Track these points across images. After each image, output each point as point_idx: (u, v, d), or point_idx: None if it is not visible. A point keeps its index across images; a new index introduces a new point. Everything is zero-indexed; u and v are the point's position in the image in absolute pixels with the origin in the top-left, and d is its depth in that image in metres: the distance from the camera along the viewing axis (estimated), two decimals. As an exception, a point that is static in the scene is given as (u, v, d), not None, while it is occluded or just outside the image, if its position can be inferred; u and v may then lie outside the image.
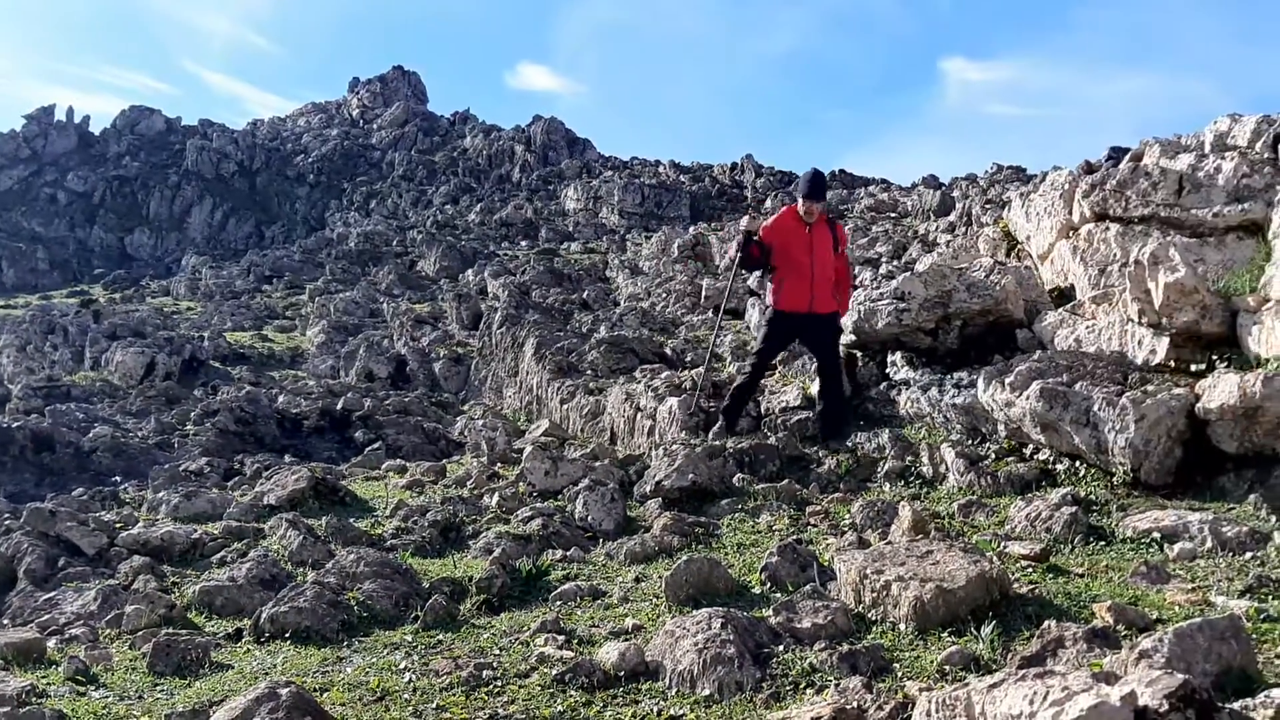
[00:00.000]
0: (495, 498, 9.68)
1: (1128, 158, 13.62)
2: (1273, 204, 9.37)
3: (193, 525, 9.56)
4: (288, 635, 6.36)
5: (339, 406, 17.40)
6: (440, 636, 6.17)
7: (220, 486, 12.35)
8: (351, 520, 9.44)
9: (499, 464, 12.02)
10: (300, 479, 10.51)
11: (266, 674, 5.65)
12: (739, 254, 10.32)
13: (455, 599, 6.87)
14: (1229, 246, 9.59)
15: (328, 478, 10.89)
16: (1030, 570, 6.37)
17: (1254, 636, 4.91)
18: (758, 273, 10.73)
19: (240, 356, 28.33)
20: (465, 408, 19.05)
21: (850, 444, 10.39)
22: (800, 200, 10.19)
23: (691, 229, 36.44)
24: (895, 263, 20.96)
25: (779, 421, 11.22)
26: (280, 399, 18.77)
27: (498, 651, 5.72)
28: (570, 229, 47.34)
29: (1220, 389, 7.61)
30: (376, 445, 14.69)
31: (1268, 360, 7.73)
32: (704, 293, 22.39)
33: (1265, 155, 11.02)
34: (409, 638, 6.22)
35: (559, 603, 6.63)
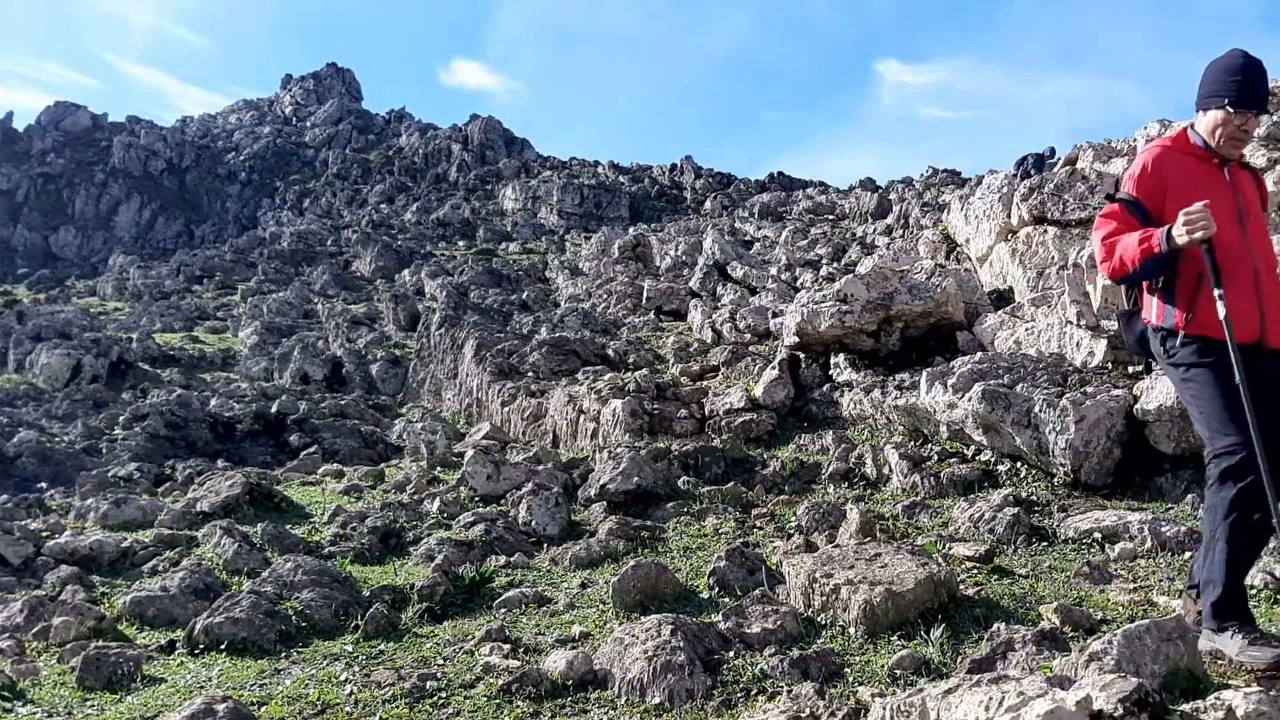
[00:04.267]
0: (436, 503, 9.52)
1: (1062, 161, 13.87)
2: (1205, 208, 9.55)
3: (122, 533, 9.28)
4: (223, 647, 6.15)
5: (273, 410, 17.05)
6: (382, 646, 6.02)
7: (151, 493, 12.03)
8: (288, 527, 9.22)
9: (439, 468, 11.85)
10: (234, 484, 10.24)
11: (202, 687, 5.46)
12: (1149, 266, 4.42)
13: (396, 607, 6.72)
14: (1163, 250, 9.77)
15: (263, 483, 10.64)
16: (976, 572, 6.40)
17: (1196, 634, 4.98)
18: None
19: (170, 358, 27.67)
20: (403, 410, 18.79)
21: (795, 445, 10.42)
22: (1220, 114, 4.47)
23: (631, 230, 36.44)
24: (835, 265, 21.12)
25: (723, 424, 11.21)
26: (212, 402, 18.34)
27: (441, 661, 5.59)
28: (509, 229, 47.05)
29: (1158, 391, 7.75)
30: (312, 449, 14.41)
31: (1203, 362, 7.86)
32: (645, 294, 22.35)
33: (1196, 161, 11.26)
34: (349, 648, 6.05)
35: (503, 610, 6.51)
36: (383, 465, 13.12)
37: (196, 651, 6.21)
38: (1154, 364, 5.09)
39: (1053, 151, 16.99)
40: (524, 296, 26.71)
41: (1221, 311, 4.24)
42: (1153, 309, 4.64)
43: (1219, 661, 4.65)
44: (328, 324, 28.27)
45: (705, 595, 6.27)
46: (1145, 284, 4.61)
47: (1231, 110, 4.41)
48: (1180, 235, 4.21)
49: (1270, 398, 4.30)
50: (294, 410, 17.00)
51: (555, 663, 5.07)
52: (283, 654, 6.07)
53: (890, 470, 9.12)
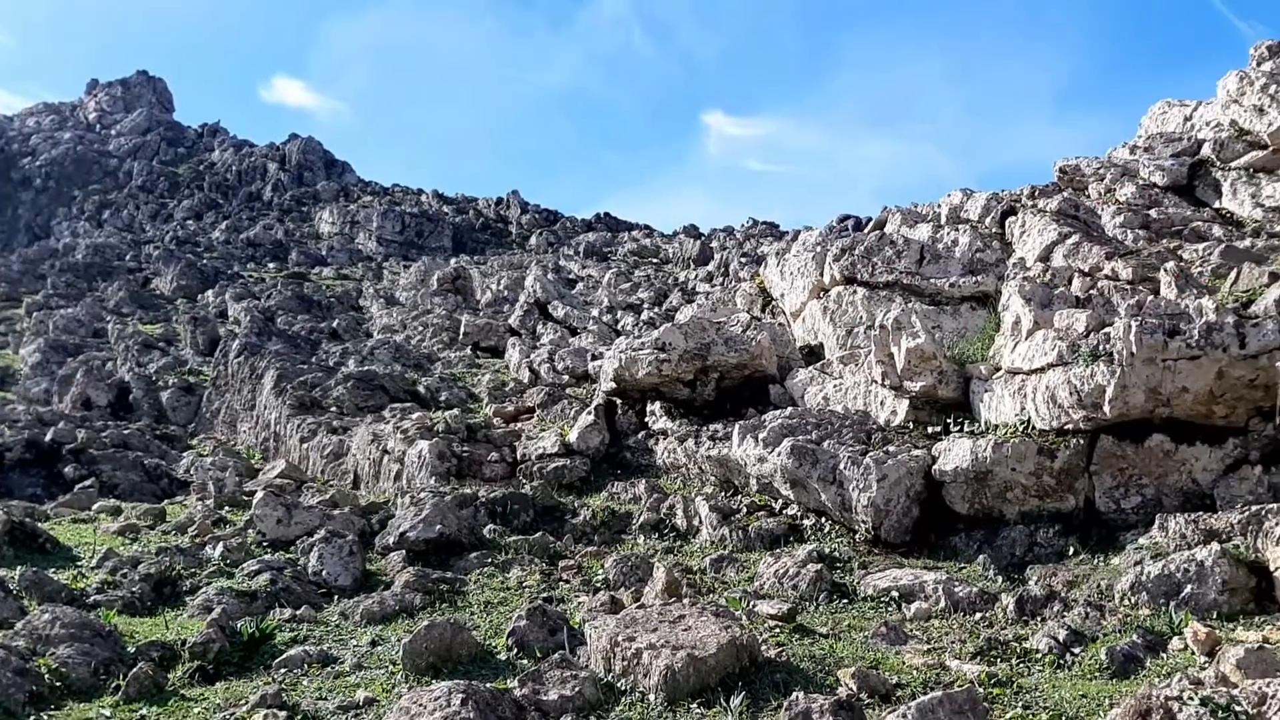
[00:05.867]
0: (219, 548, 8.85)
1: (871, 224, 14.38)
2: (1003, 277, 10.03)
3: None
4: (-39, 709, 5.51)
5: (48, 438, 15.68)
6: (144, 711, 5.51)
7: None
8: (51, 571, 8.36)
9: (227, 508, 11.08)
10: (-9, 522, 9.26)
11: (-76, 761, 4.85)
12: None
13: (164, 666, 6.16)
14: (964, 315, 10.20)
15: (27, 520, 9.68)
16: (779, 631, 6.37)
17: (986, 702, 5.04)
18: None
19: (-62, 375, 25.29)
20: (194, 442, 17.63)
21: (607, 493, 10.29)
22: None
23: (453, 261, 35.85)
24: (656, 309, 21.26)
25: (535, 469, 10.95)
26: (-21, 426, 16.75)
27: (208, 731, 5.13)
28: (324, 253, 45.48)
29: (954, 453, 7.99)
30: (89, 483, 13.29)
31: (997, 426, 8.18)
32: (463, 329, 21.88)
33: (994, 230, 11.86)
34: (106, 712, 5.52)
35: (284, 670, 6.05)
36: (165, 503, 12.17)
37: (-69, 714, 5.54)
38: None
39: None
40: (335, 324, 25.72)
41: None
42: None
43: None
44: (116, 345, 26.41)
45: (503, 657, 6.00)
46: None
47: None
48: None
49: None
50: (71, 439, 15.68)
51: (334, 735, 4.69)
52: (31, 717, 5.48)
53: (700, 522, 9.08)
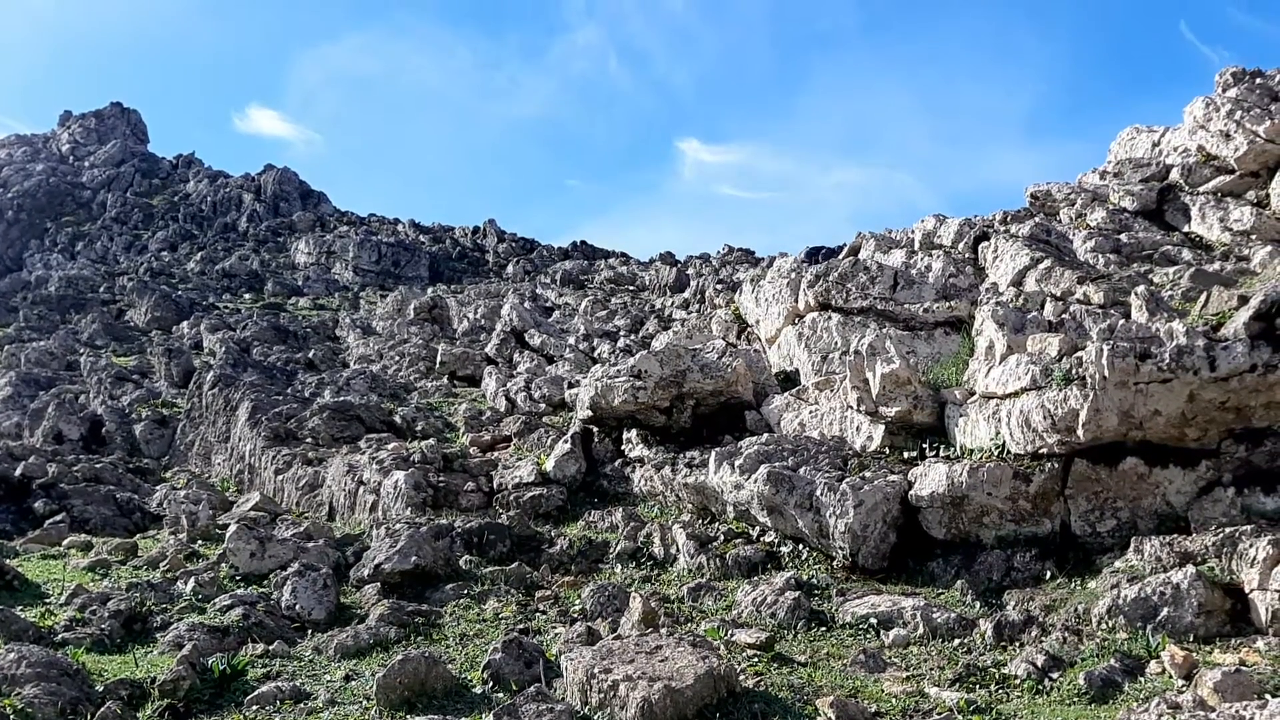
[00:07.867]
0: (191, 582, 8.72)
1: (845, 250, 14.45)
2: (975, 302, 10.08)
3: None
4: (-80, 755, 5.38)
5: (18, 472, 15.44)
6: (111, 752, 5.39)
7: None
8: (18, 609, 8.21)
9: (200, 541, 10.94)
10: (-43, 559, 9.11)
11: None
12: None
13: (133, 705, 6.05)
14: (938, 340, 10.24)
15: (-7, 557, 9.52)
16: (756, 660, 6.33)
17: (965, 729, 5.02)
18: None
19: (-95, 409, 24.89)
20: (168, 475, 17.43)
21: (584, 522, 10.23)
22: None
23: (430, 290, 35.80)
24: (633, 337, 21.25)
25: (511, 499, 10.88)
26: (-53, 461, 16.47)
27: (177, 771, 5.02)
28: (300, 284, 45.27)
29: (930, 477, 7.99)
30: (59, 517, 13.08)
31: (972, 451, 8.19)
32: (439, 358, 21.79)
33: (967, 255, 11.94)
34: (72, 754, 5.39)
35: (255, 707, 5.95)
36: (138, 537, 12.02)
37: (-111, 760, 5.40)
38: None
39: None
40: (311, 355, 25.57)
41: None
42: None
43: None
44: (89, 378, 26.14)
45: (478, 690, 5.93)
46: None
47: None
48: None
49: None
50: (41, 473, 15.46)
51: (305, 773, 4.60)
52: (-7, 761, 5.36)
53: (678, 550, 9.04)
